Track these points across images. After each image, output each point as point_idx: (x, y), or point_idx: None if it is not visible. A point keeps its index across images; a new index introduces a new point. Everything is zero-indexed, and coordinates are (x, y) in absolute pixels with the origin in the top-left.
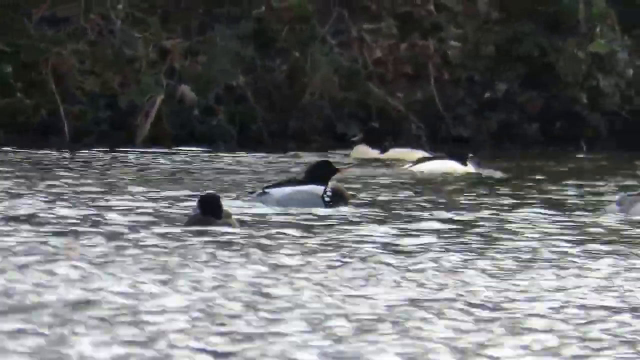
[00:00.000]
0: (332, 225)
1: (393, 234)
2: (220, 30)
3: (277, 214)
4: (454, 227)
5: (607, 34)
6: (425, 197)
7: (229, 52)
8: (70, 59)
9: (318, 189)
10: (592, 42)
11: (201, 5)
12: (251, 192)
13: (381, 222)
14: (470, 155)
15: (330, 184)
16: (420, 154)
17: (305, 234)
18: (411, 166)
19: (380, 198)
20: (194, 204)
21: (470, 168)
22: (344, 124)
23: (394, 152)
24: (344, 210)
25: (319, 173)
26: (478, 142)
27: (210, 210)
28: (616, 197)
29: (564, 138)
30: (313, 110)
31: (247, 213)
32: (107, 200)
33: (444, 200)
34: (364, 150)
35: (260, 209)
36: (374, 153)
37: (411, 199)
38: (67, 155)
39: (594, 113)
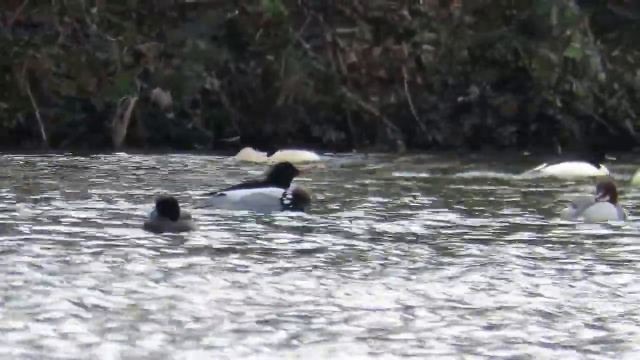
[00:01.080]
0: (286, 228)
1: (341, 240)
2: (194, 34)
3: (234, 217)
4: (430, 230)
5: (580, 38)
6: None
7: (203, 56)
8: (46, 62)
9: (277, 191)
10: (566, 47)
11: (175, 9)
12: (210, 194)
13: (334, 228)
14: (609, 157)
15: (293, 186)
16: (307, 155)
17: (257, 237)
18: (545, 167)
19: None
20: (152, 206)
21: (603, 170)
22: (319, 128)
23: (281, 154)
24: (303, 212)
25: (280, 175)
26: (453, 146)
27: (167, 212)
28: (570, 201)
29: (538, 141)
30: (287, 113)
31: (205, 215)
32: (67, 202)
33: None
34: (248, 153)
35: (218, 210)
36: (260, 156)
37: (389, 202)
38: (44, 159)
39: (567, 116)
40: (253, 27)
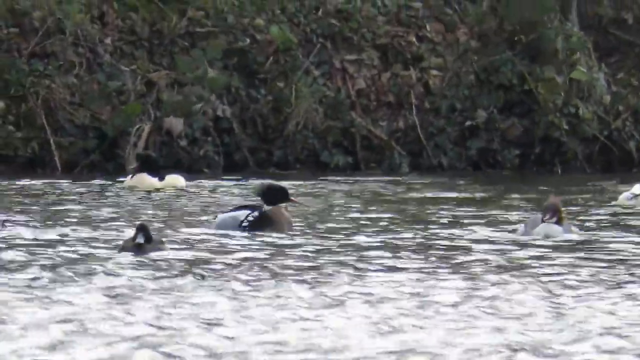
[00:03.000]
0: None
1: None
2: (205, 62)
3: (203, 240)
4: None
5: (585, 62)
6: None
7: (214, 83)
8: (60, 91)
9: (242, 213)
10: (571, 70)
11: (186, 37)
12: (213, 218)
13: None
14: None
15: (268, 208)
16: (181, 180)
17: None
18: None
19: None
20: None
21: None
22: (327, 153)
23: (169, 179)
24: (261, 233)
25: (269, 197)
26: (457, 169)
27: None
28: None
29: (540, 162)
30: (297, 139)
31: (194, 238)
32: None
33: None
34: (141, 179)
35: (208, 234)
36: (154, 181)
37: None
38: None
39: (572, 138)
40: (263, 55)
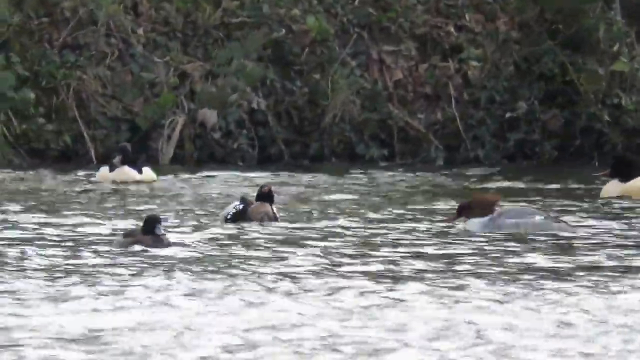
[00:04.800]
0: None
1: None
2: (239, 53)
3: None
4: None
5: (627, 52)
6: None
7: (249, 75)
8: (92, 83)
9: (230, 207)
10: (613, 61)
11: (220, 28)
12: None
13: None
14: None
15: (255, 204)
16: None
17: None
18: None
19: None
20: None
21: None
22: (363, 145)
23: (146, 171)
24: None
25: (260, 197)
26: (493, 161)
27: (151, 230)
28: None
29: (579, 155)
30: (334, 131)
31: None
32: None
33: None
34: (123, 172)
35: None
36: (134, 173)
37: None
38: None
39: (614, 130)
40: (299, 46)
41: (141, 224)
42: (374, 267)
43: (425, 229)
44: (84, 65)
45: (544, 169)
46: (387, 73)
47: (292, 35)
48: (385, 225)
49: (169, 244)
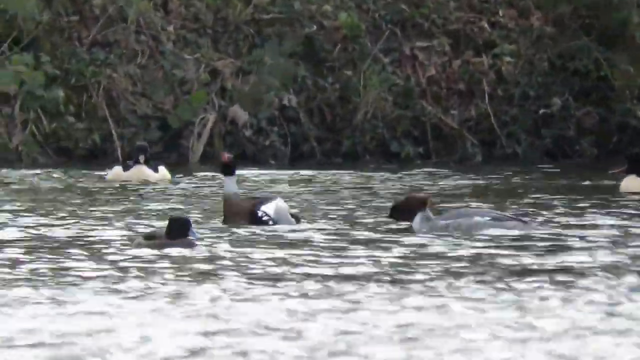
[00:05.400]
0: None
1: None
2: (271, 50)
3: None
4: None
5: None
6: None
7: (280, 72)
8: (122, 81)
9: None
10: None
11: (251, 25)
12: None
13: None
14: None
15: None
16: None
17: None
18: None
19: None
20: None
21: None
22: (397, 143)
23: (162, 170)
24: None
25: None
26: (531, 159)
27: (178, 233)
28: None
29: (617, 152)
30: (366, 128)
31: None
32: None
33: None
34: (140, 171)
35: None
36: (151, 173)
37: None
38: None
39: None
40: (330, 42)
41: (160, 225)
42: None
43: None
44: (113, 63)
45: (584, 167)
46: (420, 69)
47: (324, 32)
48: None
49: (194, 246)
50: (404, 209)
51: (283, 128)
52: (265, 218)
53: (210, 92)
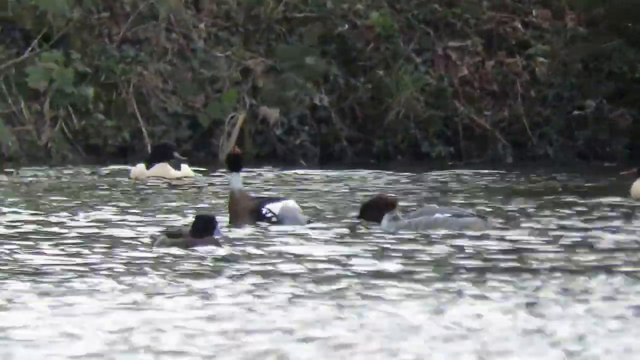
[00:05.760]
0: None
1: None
2: (302, 49)
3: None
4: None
5: None
6: None
7: (312, 71)
8: (152, 79)
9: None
10: None
11: (283, 23)
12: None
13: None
14: None
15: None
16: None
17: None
18: None
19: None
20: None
21: None
22: (428, 143)
23: (185, 168)
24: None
25: None
26: (563, 160)
27: (203, 231)
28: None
29: None
30: (398, 128)
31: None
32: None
33: None
34: (163, 169)
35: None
36: (173, 171)
37: None
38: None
39: None
40: (363, 41)
41: (183, 222)
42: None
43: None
44: (144, 60)
45: (616, 168)
46: (452, 69)
47: (356, 31)
48: None
49: (220, 245)
50: (373, 209)
51: (314, 128)
52: (269, 215)
53: (241, 90)
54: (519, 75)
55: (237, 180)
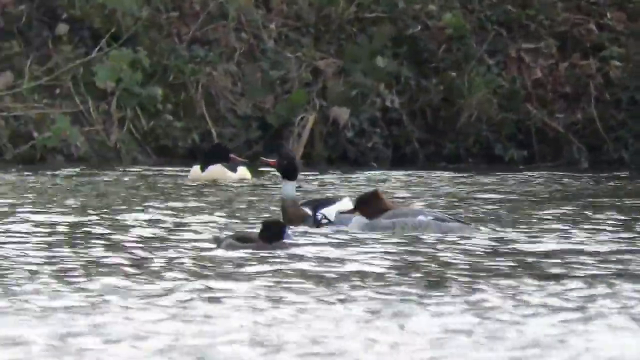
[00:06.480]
0: None
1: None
2: (374, 50)
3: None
4: None
5: None
6: None
7: (383, 72)
8: (222, 79)
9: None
10: None
11: (354, 24)
12: None
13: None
14: None
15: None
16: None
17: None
18: None
19: None
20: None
21: None
22: (501, 146)
23: (241, 170)
24: None
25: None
26: (638, 164)
27: (273, 235)
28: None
29: None
30: (470, 131)
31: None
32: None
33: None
34: (217, 171)
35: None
36: (230, 173)
37: None
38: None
39: None
40: (435, 43)
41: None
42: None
43: None
44: (213, 60)
45: None
46: (525, 72)
47: (428, 32)
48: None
49: (290, 249)
50: (369, 205)
51: (384, 130)
52: (324, 221)
53: (311, 91)
54: (592, 78)
55: (290, 188)
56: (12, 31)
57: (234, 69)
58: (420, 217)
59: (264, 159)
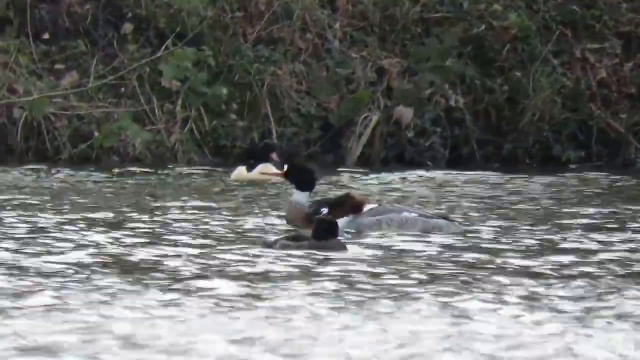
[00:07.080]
0: None
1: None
2: (438, 50)
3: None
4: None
5: None
6: None
7: (447, 72)
8: (286, 79)
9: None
10: None
11: (419, 24)
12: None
13: None
14: None
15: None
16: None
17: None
18: None
19: None
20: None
21: None
22: (560, 147)
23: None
24: None
25: None
26: None
27: (327, 234)
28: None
29: None
30: (531, 132)
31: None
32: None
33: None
34: (267, 170)
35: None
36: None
37: None
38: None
39: None
40: (499, 43)
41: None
42: None
43: None
44: (278, 60)
45: None
46: (590, 72)
47: (493, 32)
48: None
49: (345, 247)
50: (341, 209)
51: (446, 130)
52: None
53: (375, 91)
54: None
55: (302, 197)
56: (78, 30)
57: (299, 68)
58: (405, 214)
59: (270, 172)
